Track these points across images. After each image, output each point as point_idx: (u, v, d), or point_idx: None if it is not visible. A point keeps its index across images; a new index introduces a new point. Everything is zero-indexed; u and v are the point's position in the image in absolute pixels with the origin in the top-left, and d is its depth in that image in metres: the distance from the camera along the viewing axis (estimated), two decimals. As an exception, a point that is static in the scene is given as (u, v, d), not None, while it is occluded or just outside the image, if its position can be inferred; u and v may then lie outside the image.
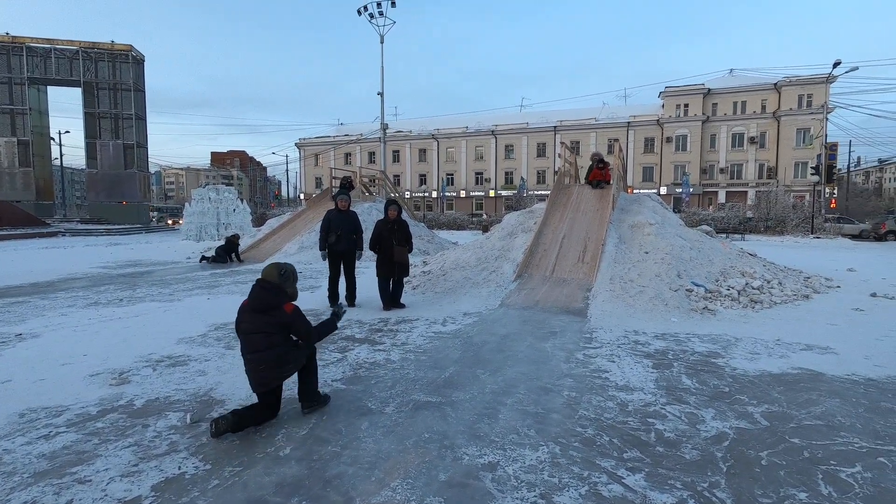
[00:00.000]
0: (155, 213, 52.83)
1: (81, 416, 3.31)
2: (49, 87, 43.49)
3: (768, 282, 7.92)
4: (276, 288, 3.18)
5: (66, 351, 4.82)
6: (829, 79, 37.92)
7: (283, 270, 3.27)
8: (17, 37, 39.67)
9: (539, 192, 47.73)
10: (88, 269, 12.11)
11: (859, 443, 2.96)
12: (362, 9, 27.75)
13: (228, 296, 8.23)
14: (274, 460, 2.73)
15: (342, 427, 3.15)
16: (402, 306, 7.07)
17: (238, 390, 3.77)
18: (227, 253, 13.64)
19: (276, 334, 3.14)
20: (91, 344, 5.10)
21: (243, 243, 15.75)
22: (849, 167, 45.09)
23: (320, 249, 7.27)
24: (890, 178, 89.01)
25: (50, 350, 4.85)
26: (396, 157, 63.79)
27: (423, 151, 63.66)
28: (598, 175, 11.62)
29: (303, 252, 13.53)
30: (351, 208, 7.61)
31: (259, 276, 3.32)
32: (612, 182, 11.32)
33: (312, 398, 3.37)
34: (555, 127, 57.31)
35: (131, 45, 41.45)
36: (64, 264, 13.05)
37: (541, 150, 58.40)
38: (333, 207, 7.44)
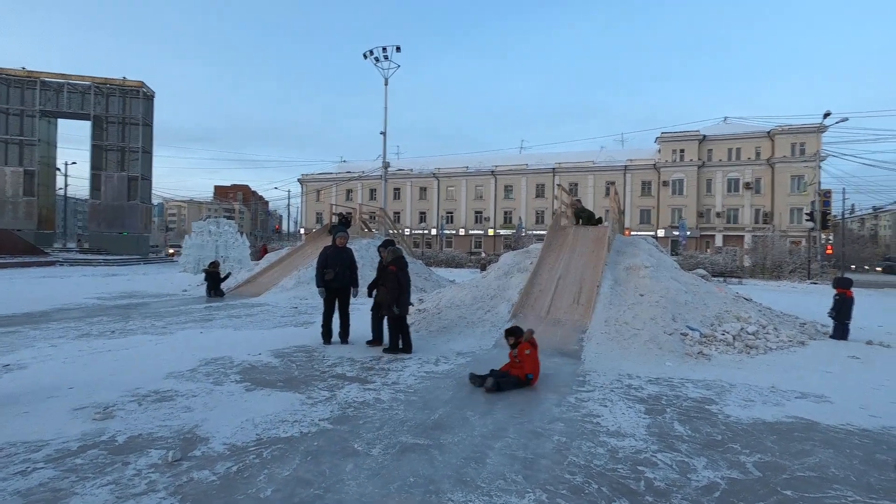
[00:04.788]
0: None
1: (61, 451, 3.24)
2: (59, 120, 44.48)
3: (763, 327, 7.90)
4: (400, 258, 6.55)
5: (52, 383, 4.75)
6: (821, 128, 39.00)
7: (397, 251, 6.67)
8: (32, 71, 40.88)
9: (537, 232, 48.07)
10: (83, 299, 12.06)
11: (853, 496, 2.91)
12: (368, 52, 28.78)
13: (222, 329, 8.17)
14: (255, 502, 2.67)
15: (326, 469, 3.08)
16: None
17: (223, 427, 3.70)
18: (214, 287, 13.40)
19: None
20: (78, 376, 5.03)
21: (240, 277, 15.74)
22: (843, 214, 45.71)
23: (317, 286, 7.28)
24: (885, 226, 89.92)
25: (36, 382, 4.79)
26: (397, 194, 64.60)
27: (423, 189, 64.52)
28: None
29: (300, 287, 13.51)
30: (348, 245, 7.67)
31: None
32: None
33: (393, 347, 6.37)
34: (553, 168, 58.34)
35: (142, 82, 42.70)
36: (59, 294, 13.01)
37: (539, 191, 59.22)
38: (331, 243, 7.51)
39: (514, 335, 5.46)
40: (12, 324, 8.18)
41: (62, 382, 4.79)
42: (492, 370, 5.12)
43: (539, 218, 58.28)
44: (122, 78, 42.30)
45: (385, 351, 6.57)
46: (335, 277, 7.15)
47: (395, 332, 6.59)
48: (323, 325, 7.21)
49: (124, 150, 42.51)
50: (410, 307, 7.39)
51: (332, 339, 7.17)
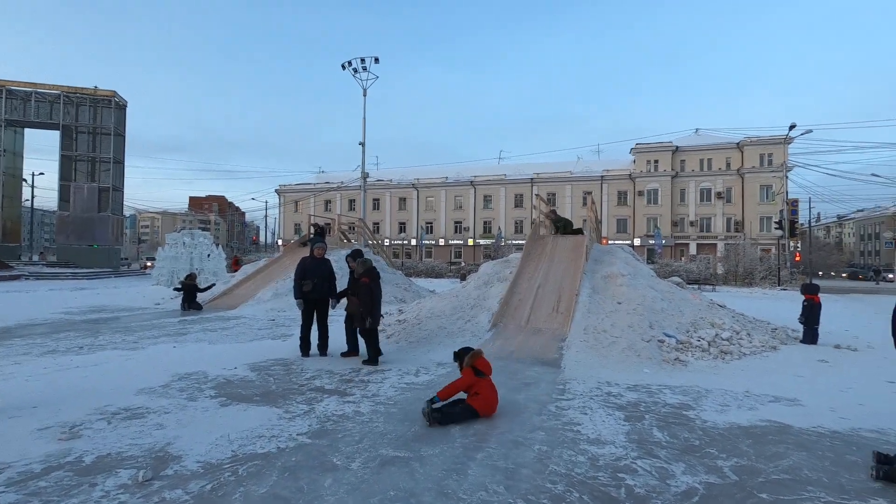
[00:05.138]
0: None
1: (24, 474, 3.10)
2: (27, 129, 43.17)
3: (737, 333, 8.07)
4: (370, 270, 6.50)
5: (15, 402, 4.54)
6: (787, 140, 40.45)
7: (368, 263, 6.62)
8: (-2, 80, 39.65)
9: (517, 242, 48.44)
10: (49, 314, 11.64)
11: (825, 497, 2.97)
12: (346, 63, 28.80)
13: (195, 344, 7.97)
14: (229, 522, 2.59)
15: (304, 484, 3.01)
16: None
17: (197, 444, 3.59)
18: (189, 300, 13.12)
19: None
20: (44, 395, 4.83)
21: (216, 290, 15.43)
22: (810, 222, 47.40)
23: (295, 297, 7.19)
24: (849, 233, 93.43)
25: (-3, 401, 4.58)
26: (377, 205, 64.43)
27: (402, 200, 64.52)
28: None
29: (277, 299, 13.30)
30: (327, 255, 7.60)
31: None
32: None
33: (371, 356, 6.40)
34: (531, 179, 59.05)
35: (115, 91, 41.80)
36: (24, 309, 12.52)
37: (518, 201, 59.82)
38: (308, 254, 7.43)
39: (459, 358, 4.67)
40: (-27, 341, 7.83)
41: (25, 401, 4.59)
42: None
43: (518, 228, 58.81)
44: (93, 87, 41.32)
45: (365, 363, 6.50)
46: (313, 289, 7.07)
47: (372, 344, 6.55)
48: (301, 338, 7.11)
49: (95, 160, 41.45)
50: (382, 319, 7.35)
51: (311, 352, 7.07)
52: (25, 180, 44.97)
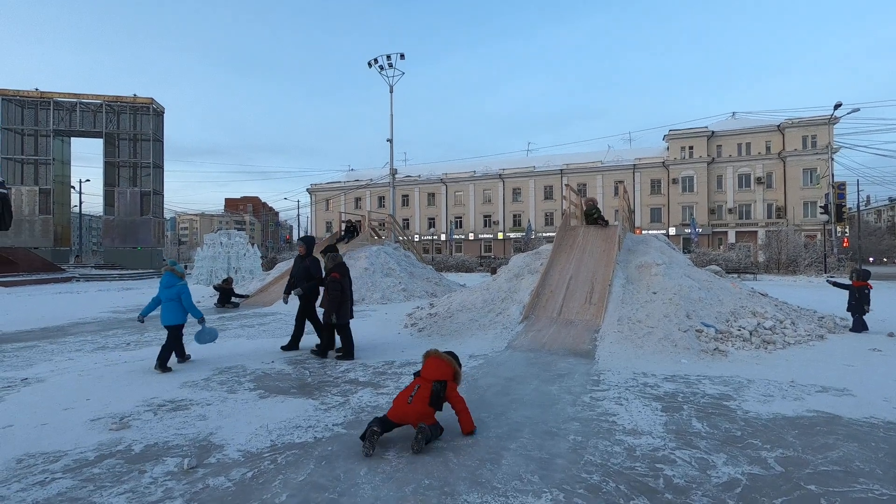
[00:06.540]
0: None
1: (79, 461, 3.27)
2: (73, 138, 45.31)
3: (780, 322, 7.77)
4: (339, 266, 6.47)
5: (69, 395, 4.81)
6: (832, 120, 38.49)
7: (338, 258, 6.58)
8: (45, 92, 41.70)
9: (547, 234, 47.94)
10: (98, 313, 12.22)
11: (880, 490, 2.83)
12: (373, 61, 29.00)
13: (235, 339, 8.22)
14: (269, 508, 2.66)
15: (340, 473, 3.07)
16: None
17: (238, 434, 3.71)
18: (223, 301, 13.55)
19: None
20: (95, 388, 5.09)
21: (252, 287, 15.86)
22: (858, 206, 44.95)
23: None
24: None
25: (54, 394, 4.85)
26: (406, 201, 64.80)
27: (431, 195, 64.67)
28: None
29: (311, 295, 13.55)
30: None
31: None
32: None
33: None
34: (561, 170, 58.16)
35: (152, 99, 43.31)
36: (75, 309, 13.18)
37: (548, 193, 59.06)
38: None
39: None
40: (30, 339, 8.31)
41: (79, 394, 4.85)
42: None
43: (548, 220, 58.12)
44: (132, 95, 42.97)
45: (315, 353, 6.67)
46: (287, 287, 7.42)
47: (346, 337, 6.64)
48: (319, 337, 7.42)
49: (136, 165, 43.15)
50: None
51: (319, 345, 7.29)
52: (73, 187, 47.26)
